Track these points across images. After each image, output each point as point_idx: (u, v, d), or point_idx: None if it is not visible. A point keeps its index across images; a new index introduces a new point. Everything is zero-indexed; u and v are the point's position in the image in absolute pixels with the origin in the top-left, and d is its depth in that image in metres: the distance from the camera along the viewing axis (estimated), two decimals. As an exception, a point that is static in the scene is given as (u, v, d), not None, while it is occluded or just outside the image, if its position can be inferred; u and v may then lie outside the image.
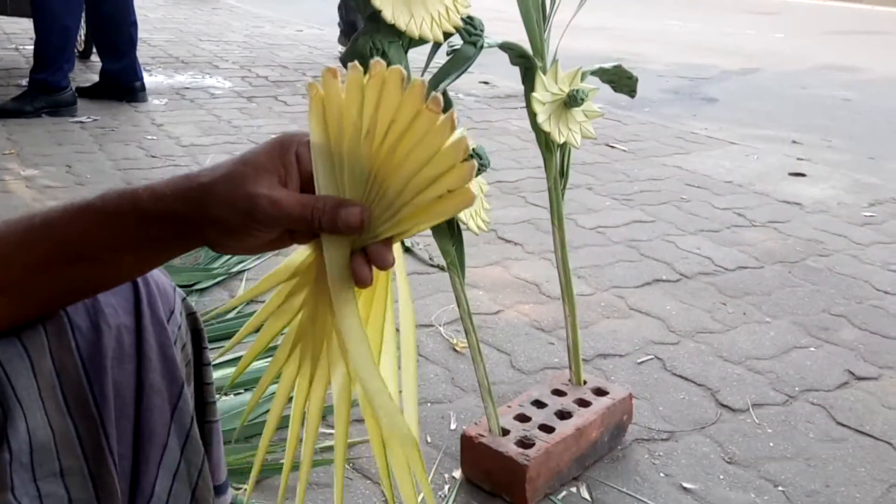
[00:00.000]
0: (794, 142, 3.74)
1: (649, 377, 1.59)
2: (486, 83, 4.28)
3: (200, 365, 0.74)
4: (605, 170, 2.97)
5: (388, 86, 0.53)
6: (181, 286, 1.66)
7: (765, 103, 4.72)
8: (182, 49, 5.20)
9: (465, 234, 2.30)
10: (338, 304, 0.55)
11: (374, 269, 0.56)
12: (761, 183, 2.89)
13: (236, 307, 1.69)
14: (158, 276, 0.71)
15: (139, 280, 0.67)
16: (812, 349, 1.73)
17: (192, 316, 0.74)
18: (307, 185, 0.56)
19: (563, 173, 1.32)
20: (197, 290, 1.86)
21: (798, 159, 3.26)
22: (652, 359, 1.66)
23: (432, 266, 2.05)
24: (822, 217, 2.57)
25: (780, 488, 1.29)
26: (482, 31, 1.12)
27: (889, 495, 1.28)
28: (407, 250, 2.14)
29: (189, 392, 0.71)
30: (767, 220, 2.51)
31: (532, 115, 1.22)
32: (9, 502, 0.58)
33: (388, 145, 0.54)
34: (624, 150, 3.25)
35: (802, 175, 3.01)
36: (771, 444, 1.40)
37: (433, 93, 0.53)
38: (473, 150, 1.09)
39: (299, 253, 0.62)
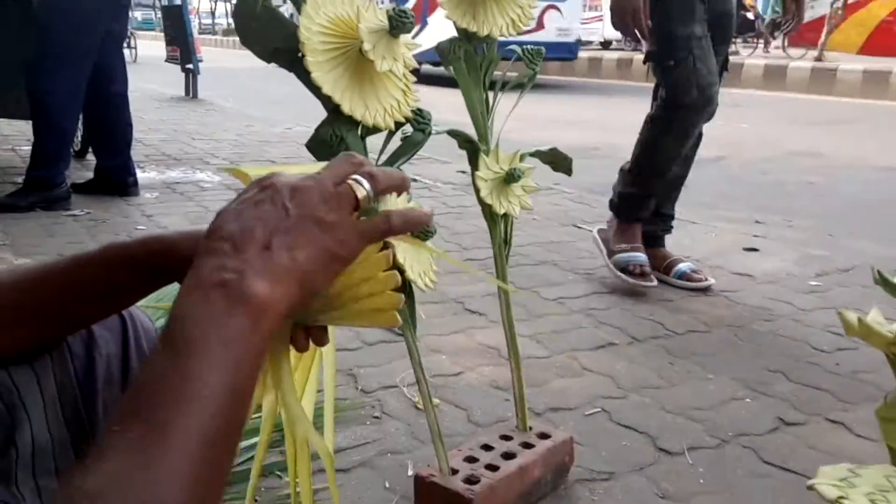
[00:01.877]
0: (756, 221, 3.97)
1: (595, 427, 1.75)
2: (462, 172, 4.54)
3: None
4: (570, 248, 3.18)
5: None
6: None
7: (731, 188, 4.98)
8: (175, 147, 5.48)
9: (435, 307, 2.47)
10: (274, 360, 0.70)
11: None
12: (716, 257, 3.10)
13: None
14: (143, 317, 0.88)
15: (127, 319, 0.84)
16: (748, 400, 1.89)
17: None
18: None
19: (507, 241, 1.51)
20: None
21: (754, 236, 3.48)
22: (599, 411, 1.82)
23: (399, 335, 2.22)
24: (771, 287, 2.76)
25: (706, 517, 1.43)
26: (430, 120, 1.32)
27: (804, 521, 1.43)
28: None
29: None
30: (719, 290, 2.71)
31: (477, 191, 1.43)
32: (13, 493, 0.73)
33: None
34: (589, 230, 3.46)
35: (756, 250, 3.23)
36: (701, 482, 1.55)
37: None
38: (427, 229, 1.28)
39: None
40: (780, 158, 6.08)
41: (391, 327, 0.69)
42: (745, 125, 8.15)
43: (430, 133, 1.34)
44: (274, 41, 1.20)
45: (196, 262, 0.56)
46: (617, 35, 20.91)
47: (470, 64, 1.40)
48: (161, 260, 0.70)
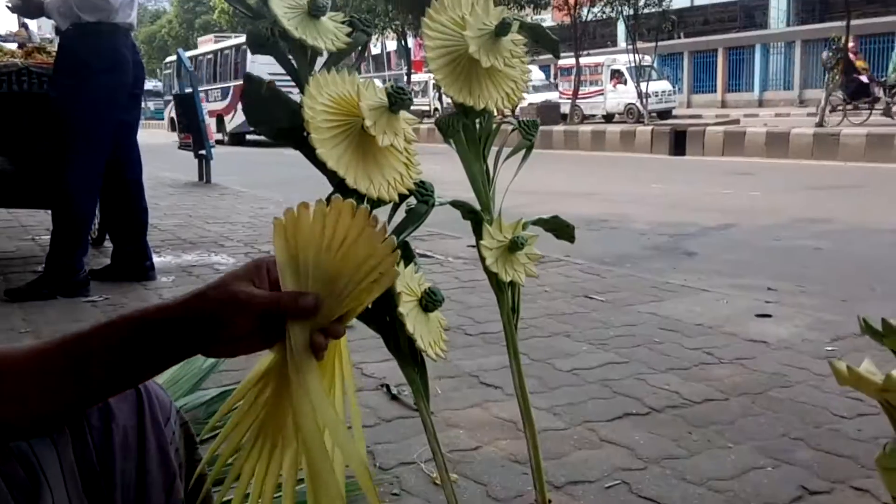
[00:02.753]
0: (769, 288, 3.96)
1: (616, 500, 1.71)
2: (473, 246, 4.55)
3: (193, 461, 0.91)
4: (582, 318, 3.17)
5: (343, 213, 0.76)
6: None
7: (741, 255, 4.99)
8: (190, 232, 5.56)
9: (450, 382, 2.46)
10: (301, 372, 0.74)
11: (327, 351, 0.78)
12: (730, 325, 3.08)
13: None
14: (158, 390, 0.89)
15: (142, 391, 0.85)
16: (769, 469, 1.85)
17: (184, 425, 0.92)
18: (275, 290, 0.77)
19: (515, 309, 1.51)
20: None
21: (766, 302, 3.46)
22: (619, 483, 1.78)
23: (414, 410, 2.20)
24: (787, 353, 2.73)
25: (733, 590, 1.38)
26: (432, 192, 1.35)
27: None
28: (394, 398, 2.30)
29: (180, 482, 0.87)
30: (734, 358, 2.68)
31: (482, 260, 1.44)
32: None
33: (342, 253, 0.76)
34: (602, 301, 3.46)
35: (769, 316, 3.20)
36: (726, 553, 1.50)
37: (373, 213, 0.76)
38: (430, 289, 1.29)
39: (264, 360, 0.81)
40: (787, 225, 6.10)
41: (393, 282, 0.84)
42: (755, 193, 8.19)
43: (433, 204, 1.36)
44: (280, 121, 1.23)
45: None
46: (619, 108, 21.34)
47: (469, 137, 1.43)
48: (185, 325, 0.73)
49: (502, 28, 1.33)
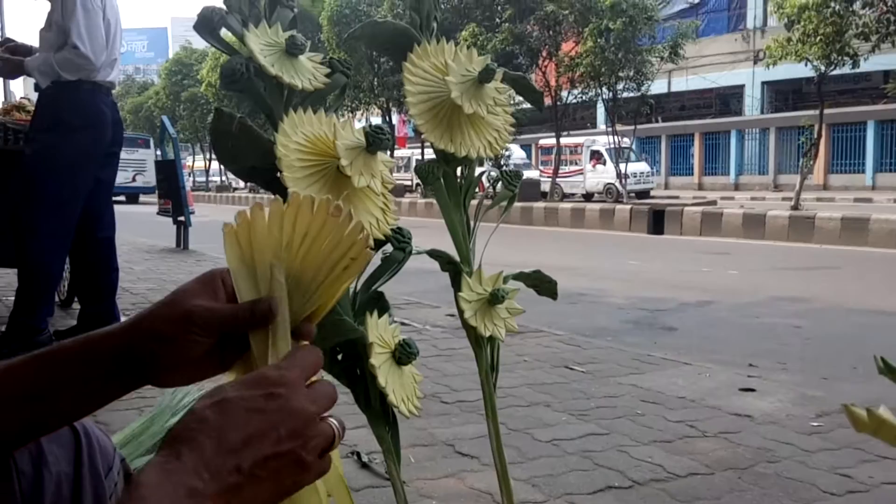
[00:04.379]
0: (750, 364, 3.90)
1: (597, 576, 1.61)
2: (451, 315, 4.49)
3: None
4: (562, 389, 3.08)
5: (301, 209, 0.70)
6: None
7: (720, 331, 4.94)
8: (162, 296, 5.42)
9: (424, 451, 2.37)
10: None
11: None
12: (712, 398, 3.00)
13: None
14: (100, 435, 0.80)
15: (81, 435, 0.77)
16: (759, 546, 1.75)
17: (129, 477, 0.83)
18: (231, 301, 0.69)
19: (494, 367, 1.43)
20: None
21: (748, 377, 3.39)
22: (600, 559, 1.68)
23: (386, 479, 2.09)
24: (772, 428, 2.66)
25: None
26: (410, 239, 1.29)
27: None
28: (364, 465, 2.19)
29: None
30: (718, 431, 2.60)
31: (461, 313, 1.37)
32: None
33: (304, 250, 0.70)
34: (582, 372, 3.38)
35: (752, 390, 3.13)
36: None
37: (335, 202, 0.69)
38: (404, 341, 1.22)
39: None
40: (765, 303, 6.09)
41: (367, 263, 0.72)
42: (733, 271, 8.23)
43: (410, 252, 1.30)
44: (251, 159, 1.18)
45: (177, 445, 0.57)
46: (598, 188, 21.64)
47: (449, 185, 1.38)
48: (124, 336, 0.67)
49: (486, 74, 1.30)
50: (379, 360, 1.18)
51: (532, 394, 2.98)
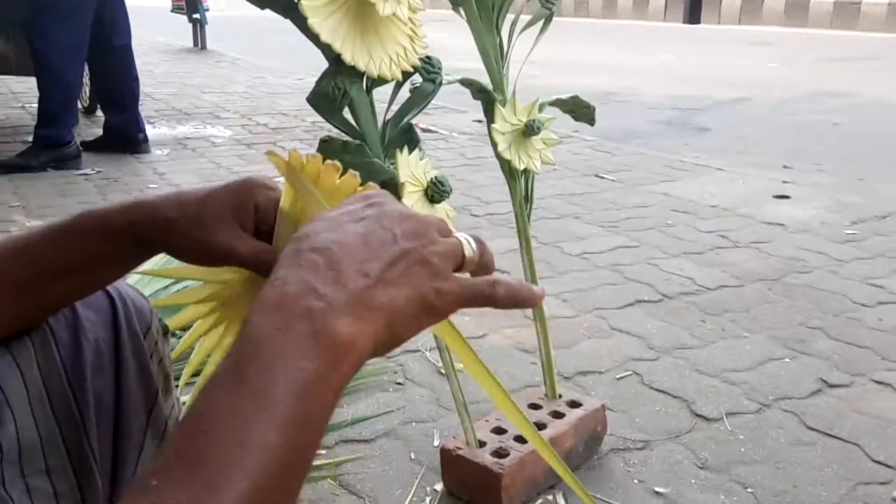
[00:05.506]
0: (784, 166, 3.82)
1: (627, 391, 1.65)
2: (479, 121, 4.40)
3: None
4: (592, 199, 3.05)
5: (345, 188, 0.62)
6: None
7: (756, 131, 4.81)
8: (185, 101, 5.36)
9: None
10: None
11: None
12: (746, 206, 2.97)
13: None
14: (136, 296, 0.79)
15: (116, 298, 0.75)
16: (787, 360, 1.78)
17: (167, 334, 0.82)
18: (261, 227, 0.64)
19: (528, 198, 1.40)
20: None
21: (783, 182, 3.33)
22: (630, 374, 1.72)
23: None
24: (804, 237, 2.64)
25: (749, 490, 1.34)
26: (440, 69, 1.20)
27: (854, 493, 1.33)
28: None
29: (165, 400, 0.79)
30: (750, 242, 2.58)
31: (494, 145, 1.31)
32: (1, 495, 0.66)
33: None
34: (612, 181, 3.34)
35: (786, 197, 3.09)
36: (742, 450, 1.45)
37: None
38: (436, 178, 1.17)
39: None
40: (804, 99, 5.88)
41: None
42: (773, 64, 7.91)
43: (440, 83, 1.22)
44: (268, -16, 1.08)
45: (282, 271, 0.47)
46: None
47: (481, 5, 1.27)
48: (143, 228, 0.62)
49: None
50: (411, 199, 1.14)
51: (562, 205, 2.96)
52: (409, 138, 1.21)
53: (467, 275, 0.53)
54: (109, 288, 0.75)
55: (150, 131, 4.10)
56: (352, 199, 0.52)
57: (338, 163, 0.63)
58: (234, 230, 0.62)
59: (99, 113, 4.41)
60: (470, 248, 0.52)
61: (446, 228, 0.52)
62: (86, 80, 4.35)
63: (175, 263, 0.68)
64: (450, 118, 4.64)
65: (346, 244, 0.48)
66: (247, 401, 0.42)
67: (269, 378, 0.42)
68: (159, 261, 0.75)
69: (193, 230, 0.61)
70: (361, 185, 0.63)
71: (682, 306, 2.08)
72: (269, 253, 0.62)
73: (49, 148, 3.50)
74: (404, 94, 1.19)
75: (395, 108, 1.19)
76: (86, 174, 3.48)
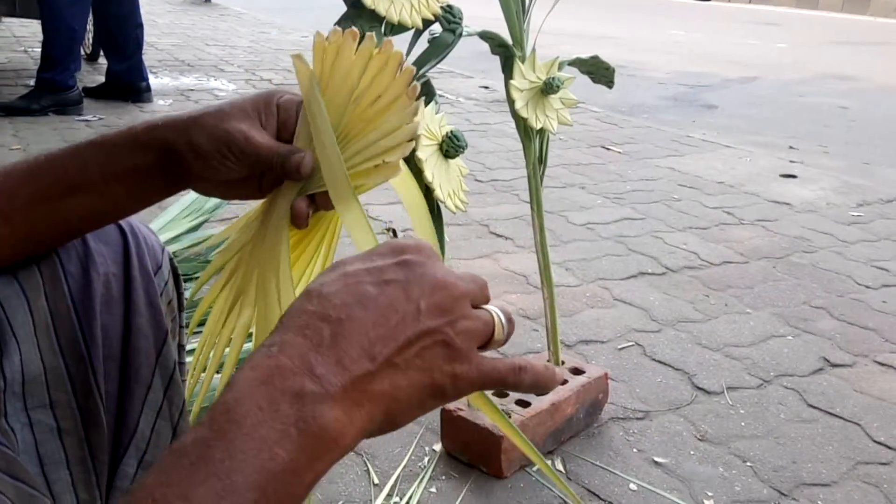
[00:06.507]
0: (791, 147, 3.79)
1: (629, 362, 1.64)
2: (485, 87, 4.35)
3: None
4: (598, 170, 3.03)
5: (389, 64, 0.60)
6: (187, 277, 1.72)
7: (762, 110, 4.77)
8: (188, 53, 5.29)
9: (459, 230, 2.36)
10: (272, 238, 0.62)
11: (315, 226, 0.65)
12: (752, 184, 2.95)
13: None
14: (148, 234, 0.76)
15: (128, 234, 0.73)
16: (789, 338, 1.77)
17: (176, 277, 0.80)
18: (281, 133, 0.63)
19: (542, 160, 1.37)
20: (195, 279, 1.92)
21: (790, 162, 3.31)
22: (632, 345, 1.71)
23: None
24: (810, 216, 2.62)
25: (748, 463, 1.33)
26: (461, 19, 1.17)
27: (854, 471, 1.33)
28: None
29: (173, 341, 0.77)
30: (756, 219, 2.57)
31: (511, 102, 1.28)
32: (2, 427, 0.64)
33: (368, 113, 0.60)
34: (619, 152, 3.31)
35: (793, 177, 3.06)
36: (742, 424, 1.44)
37: (414, 83, 0.59)
38: (452, 132, 1.14)
39: (254, 208, 0.69)
40: (812, 80, 5.83)
41: (393, 177, 0.59)
42: (781, 45, 7.85)
43: (461, 34, 1.19)
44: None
45: (282, 334, 0.43)
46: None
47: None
48: (165, 131, 0.61)
49: None
50: (425, 152, 1.12)
51: (567, 174, 2.93)
52: (425, 91, 1.18)
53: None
54: (122, 223, 0.73)
55: (153, 81, 4.04)
56: (384, 249, 0.47)
57: (356, 29, 0.61)
58: (253, 123, 0.61)
59: (102, 60, 4.35)
60: (501, 326, 0.47)
61: (482, 296, 0.47)
62: (89, 26, 4.29)
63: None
64: (456, 83, 4.59)
65: (358, 319, 0.43)
66: (204, 485, 0.37)
67: (235, 464, 0.38)
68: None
69: (214, 120, 0.60)
70: (377, 47, 0.61)
71: (686, 280, 2.07)
72: (279, 152, 0.61)
73: (51, 92, 3.45)
74: (421, 45, 1.16)
75: (410, 59, 1.15)
76: (87, 120, 3.43)
